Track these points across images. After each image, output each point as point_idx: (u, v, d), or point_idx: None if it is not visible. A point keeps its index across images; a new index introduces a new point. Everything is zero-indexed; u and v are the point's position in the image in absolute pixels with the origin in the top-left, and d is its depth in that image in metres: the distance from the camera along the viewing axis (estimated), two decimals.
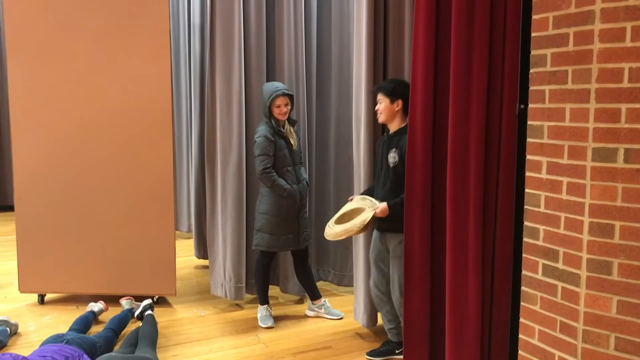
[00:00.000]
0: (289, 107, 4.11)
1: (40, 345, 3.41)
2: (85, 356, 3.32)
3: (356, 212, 3.57)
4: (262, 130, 4.07)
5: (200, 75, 5.31)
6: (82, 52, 4.26)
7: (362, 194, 3.73)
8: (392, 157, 3.46)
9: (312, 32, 4.71)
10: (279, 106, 4.04)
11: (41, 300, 4.58)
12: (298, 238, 4.18)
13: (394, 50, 3.74)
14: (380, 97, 3.52)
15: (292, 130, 4.19)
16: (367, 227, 3.47)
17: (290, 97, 4.11)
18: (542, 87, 2.57)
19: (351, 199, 3.74)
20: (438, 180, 3.17)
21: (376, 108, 3.56)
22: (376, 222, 3.56)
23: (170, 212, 4.37)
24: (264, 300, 4.27)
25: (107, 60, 4.26)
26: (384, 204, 3.44)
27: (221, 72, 4.29)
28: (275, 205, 4.10)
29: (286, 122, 4.15)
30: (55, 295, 4.69)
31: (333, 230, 3.53)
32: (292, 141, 4.15)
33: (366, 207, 3.52)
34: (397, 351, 3.68)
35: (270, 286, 4.41)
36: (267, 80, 4.46)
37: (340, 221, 3.60)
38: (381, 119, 3.56)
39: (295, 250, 4.25)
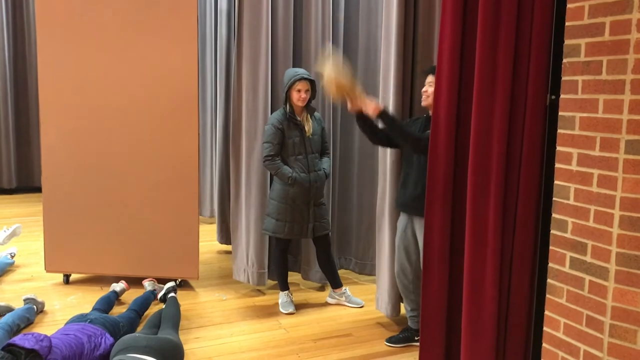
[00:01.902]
0: (309, 94, 4.09)
1: (65, 324, 3.47)
2: (107, 335, 3.38)
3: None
4: (271, 118, 4.09)
5: (226, 61, 5.32)
6: (109, 35, 4.29)
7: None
8: None
9: (339, 19, 4.69)
10: (299, 91, 4.01)
11: (66, 280, 4.65)
12: (307, 227, 4.14)
13: (424, 39, 3.70)
14: (430, 79, 3.40)
15: (309, 118, 4.16)
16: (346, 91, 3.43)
17: (312, 82, 4.08)
18: (574, 78, 2.52)
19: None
20: (460, 172, 3.14)
21: (424, 90, 3.45)
22: (402, 206, 3.56)
23: (194, 197, 4.41)
24: (284, 286, 4.29)
25: (135, 44, 4.29)
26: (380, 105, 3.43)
27: (248, 59, 4.29)
28: (282, 192, 4.10)
29: (304, 109, 4.14)
30: (80, 276, 4.76)
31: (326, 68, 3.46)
32: (306, 128, 4.13)
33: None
34: (416, 338, 3.69)
35: (291, 273, 4.42)
36: (294, 67, 4.45)
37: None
38: (427, 102, 3.42)
39: (315, 238, 4.25)
